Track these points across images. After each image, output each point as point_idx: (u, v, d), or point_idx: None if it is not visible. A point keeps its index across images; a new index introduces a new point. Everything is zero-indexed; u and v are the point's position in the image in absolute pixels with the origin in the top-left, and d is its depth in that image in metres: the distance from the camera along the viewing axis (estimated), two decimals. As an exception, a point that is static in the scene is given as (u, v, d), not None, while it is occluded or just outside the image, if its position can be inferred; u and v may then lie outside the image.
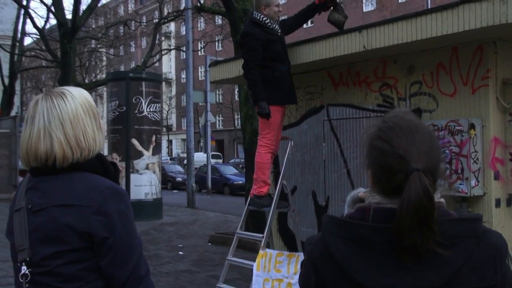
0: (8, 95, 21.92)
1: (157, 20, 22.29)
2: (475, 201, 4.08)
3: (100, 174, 1.58)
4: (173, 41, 40.54)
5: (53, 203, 1.51)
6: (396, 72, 4.70)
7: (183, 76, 46.96)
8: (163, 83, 41.13)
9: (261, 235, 4.70)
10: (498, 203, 4.06)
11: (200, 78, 44.86)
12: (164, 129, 47.51)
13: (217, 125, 48.83)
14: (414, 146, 1.20)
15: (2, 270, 6.85)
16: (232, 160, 39.38)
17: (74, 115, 1.56)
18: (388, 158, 1.21)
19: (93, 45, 28.30)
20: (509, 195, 4.13)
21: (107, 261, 1.50)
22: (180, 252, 8.50)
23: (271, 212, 4.70)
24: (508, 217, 4.13)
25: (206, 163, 21.57)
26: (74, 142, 1.54)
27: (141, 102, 12.41)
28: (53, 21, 21.98)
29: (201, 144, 31.08)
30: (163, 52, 28.16)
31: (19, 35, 22.74)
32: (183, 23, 23.79)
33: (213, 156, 32.03)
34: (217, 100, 39.69)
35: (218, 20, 23.09)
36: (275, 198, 4.76)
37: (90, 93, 21.28)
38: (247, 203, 5.04)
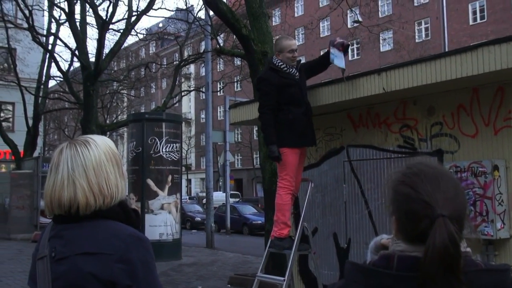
0: (31, 136, 22.32)
1: (177, 62, 22.74)
2: (501, 244, 3.99)
3: (122, 221, 1.59)
4: (192, 82, 41.24)
5: (76, 251, 1.52)
6: (416, 113, 4.70)
7: (202, 116, 47.51)
8: (183, 123, 41.59)
9: (282, 278, 4.64)
10: (525, 246, 3.97)
11: (219, 118, 45.30)
12: (183, 169, 47.75)
13: (236, 164, 48.92)
14: (439, 192, 1.18)
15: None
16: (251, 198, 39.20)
17: (98, 162, 1.58)
18: (412, 203, 1.19)
19: (114, 87, 28.91)
20: (537, 238, 4.03)
21: None
22: (199, 294, 8.39)
23: (292, 255, 4.64)
24: (536, 261, 4.02)
25: (225, 202, 21.52)
26: (97, 189, 1.56)
27: (157, 143, 12.51)
28: (76, 64, 22.59)
29: (220, 183, 31.10)
30: (183, 93, 28.59)
31: (43, 78, 23.37)
32: (202, 65, 24.25)
33: (232, 195, 31.96)
34: (236, 139, 39.93)
35: (237, 61, 23.50)
36: (296, 240, 4.72)
37: (111, 133, 21.53)
38: (268, 245, 4.99)
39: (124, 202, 1.64)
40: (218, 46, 13.30)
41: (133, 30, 19.62)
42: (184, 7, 19.25)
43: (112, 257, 1.49)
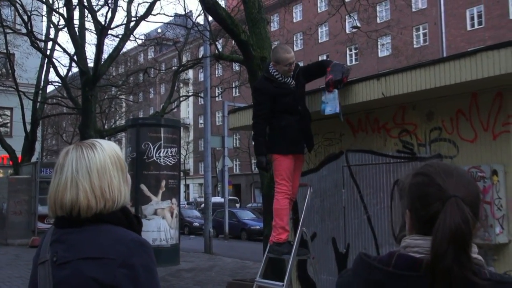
0: (29, 141, 22.30)
1: (176, 68, 22.77)
2: (500, 248, 3.99)
3: (124, 227, 1.59)
4: (191, 88, 41.28)
5: (78, 256, 1.51)
6: (415, 118, 4.71)
7: (201, 121, 47.54)
8: (181, 128, 41.55)
9: (281, 283, 4.62)
10: (524, 251, 3.96)
11: (217, 123, 45.34)
12: (182, 174, 47.70)
13: (234, 170, 48.89)
14: (452, 179, 1.20)
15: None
16: (250, 205, 39.17)
17: (102, 166, 1.58)
18: (426, 188, 1.21)
19: (113, 92, 28.92)
20: (536, 243, 4.03)
21: None
22: (197, 300, 8.36)
23: (291, 260, 4.64)
24: (535, 266, 4.02)
25: (223, 207, 21.50)
26: (99, 192, 1.55)
27: (150, 148, 12.49)
28: (75, 70, 22.60)
29: (219, 188, 31.06)
30: (181, 99, 28.60)
31: (42, 83, 23.36)
32: (201, 70, 24.29)
33: (230, 201, 31.93)
34: (234, 144, 39.93)
35: (236, 66, 23.53)
36: (294, 245, 4.71)
37: (109, 139, 21.57)
38: (266, 250, 4.99)
39: (126, 208, 1.64)
40: (216, 52, 13.32)
41: (131, 36, 19.63)
42: (183, 13, 19.31)
43: (114, 262, 1.49)
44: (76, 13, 19.15)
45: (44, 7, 21.70)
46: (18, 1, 18.74)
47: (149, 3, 18.39)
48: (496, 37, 26.95)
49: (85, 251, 1.52)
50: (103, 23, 17.84)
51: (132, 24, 18.94)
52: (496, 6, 31.94)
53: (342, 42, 25.98)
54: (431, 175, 1.23)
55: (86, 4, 17.94)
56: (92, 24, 19.12)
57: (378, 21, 35.31)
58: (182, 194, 52.30)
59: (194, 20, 18.58)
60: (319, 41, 41.58)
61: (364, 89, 4.60)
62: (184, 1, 22.19)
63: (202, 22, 17.46)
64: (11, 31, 21.34)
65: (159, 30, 34.33)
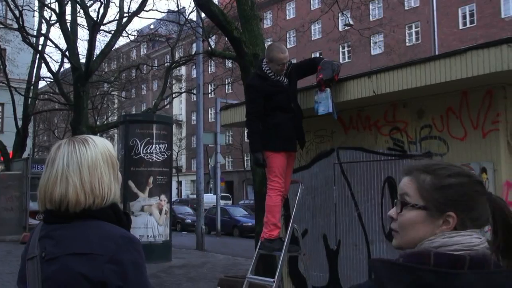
0: (21, 137, 22.17)
1: (168, 64, 22.70)
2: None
3: (113, 223, 1.59)
4: (184, 84, 41.17)
5: (67, 251, 1.51)
6: (406, 116, 4.74)
7: (193, 118, 47.45)
8: (174, 125, 41.45)
9: (272, 279, 4.65)
10: (512, 248, 4.01)
11: (210, 120, 45.28)
12: (174, 171, 47.62)
13: (227, 166, 48.88)
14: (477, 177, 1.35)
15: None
16: (242, 202, 39.21)
17: (93, 162, 1.58)
18: (473, 186, 1.29)
19: (105, 88, 28.80)
20: (524, 240, 4.07)
21: None
22: (189, 296, 8.38)
23: (282, 256, 4.66)
24: (523, 263, 4.06)
25: (215, 204, 21.51)
26: (88, 188, 1.55)
27: (137, 144, 12.46)
28: (67, 65, 22.47)
29: (211, 185, 31.05)
30: (174, 95, 28.53)
31: (33, 78, 23.23)
32: (194, 67, 24.25)
33: (223, 198, 31.94)
34: (227, 141, 39.92)
35: (229, 63, 23.51)
36: (285, 241, 4.73)
37: (101, 135, 21.50)
38: (258, 246, 5.01)
39: (116, 204, 1.63)
40: (209, 48, 13.31)
41: (124, 32, 19.57)
42: (176, 9, 19.24)
43: (103, 257, 1.49)
44: (68, 9, 19.06)
45: (36, 2, 21.58)
46: (10, -4, 18.61)
47: (141, -1, 18.31)
48: (488, 36, 27.07)
49: (73, 246, 1.52)
50: (95, 18, 17.76)
51: (124, 20, 18.86)
52: (488, 5, 32.12)
53: (334, 39, 26.04)
54: (472, 176, 1.33)
55: (78, -1, 17.85)
56: (84, 19, 19.01)
57: (371, 19, 35.42)
58: (174, 191, 52.24)
59: (187, 17, 18.52)
60: (312, 39, 41.61)
61: (355, 87, 4.63)
62: (177, -3, 22.10)
63: (195, 19, 17.43)
64: (2, 26, 21.19)
65: (151, 26, 34.20)
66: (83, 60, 18.87)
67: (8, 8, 20.10)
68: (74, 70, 17.80)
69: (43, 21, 21.91)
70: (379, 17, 36.67)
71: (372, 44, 36.93)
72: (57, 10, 18.11)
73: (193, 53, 22.00)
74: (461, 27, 33.76)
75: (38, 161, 17.36)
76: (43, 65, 22.28)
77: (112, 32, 19.30)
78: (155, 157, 12.57)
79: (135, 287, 1.51)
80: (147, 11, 22.54)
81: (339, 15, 14.59)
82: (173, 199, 31.81)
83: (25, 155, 21.51)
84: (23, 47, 22.58)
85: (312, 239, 5.62)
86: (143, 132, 12.59)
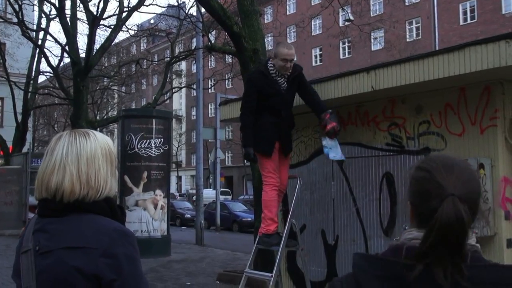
0: (20, 132, 22.17)
1: (168, 59, 22.69)
2: (485, 241, 4.04)
3: (108, 217, 1.59)
4: (184, 79, 41.12)
5: (61, 245, 1.52)
6: (404, 111, 4.74)
7: (193, 113, 47.43)
8: (174, 120, 41.41)
9: (270, 274, 4.67)
10: (509, 243, 4.02)
11: (210, 115, 45.28)
12: (174, 166, 47.66)
13: (226, 162, 48.91)
14: (452, 176, 1.22)
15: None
16: (241, 197, 39.25)
17: (92, 154, 1.59)
18: (426, 184, 1.23)
19: (105, 83, 28.78)
20: (521, 236, 4.09)
21: None
22: (188, 291, 8.41)
23: (280, 251, 4.68)
24: (520, 258, 4.08)
25: (215, 199, 21.53)
26: (84, 179, 1.56)
27: (132, 139, 12.46)
28: (66, 60, 22.44)
29: (210, 180, 31.09)
30: (174, 90, 28.51)
31: (33, 73, 23.21)
32: (194, 62, 24.22)
33: (222, 193, 31.96)
34: (227, 137, 39.92)
35: (228, 58, 23.49)
36: (284, 236, 4.75)
37: (101, 130, 21.46)
38: (256, 241, 5.03)
39: (110, 198, 1.63)
40: (209, 43, 13.30)
41: (124, 26, 19.54)
42: (176, 4, 19.21)
43: (97, 251, 1.49)
44: (68, 3, 19.02)
45: (36, -4, 21.52)
46: (9, -10, 18.58)
47: (141, -6, 18.27)
48: (489, 32, 27.03)
49: (68, 240, 1.52)
50: (95, 13, 17.73)
51: (124, 14, 18.82)
52: (488, 1, 32.05)
53: (335, 35, 26.00)
54: (432, 171, 1.24)
55: (78, -7, 17.82)
56: (84, 14, 18.98)
57: (371, 14, 35.34)
58: (174, 186, 52.27)
59: (187, 11, 18.50)
60: (312, 34, 41.53)
61: (354, 82, 4.63)
62: (177, -8, 22.07)
63: (195, 14, 17.40)
64: (2, 20, 21.16)
65: (151, 21, 34.15)
66: (82, 54, 18.87)
67: (7, 2, 20.04)
68: (74, 65, 17.79)
69: (43, 15, 21.87)
70: (379, 13, 36.59)
71: (372, 40, 36.85)
72: (57, 4, 18.08)
73: (193, 48, 21.98)
74: (461, 23, 33.69)
75: (38, 156, 17.37)
76: (42, 59, 22.32)
77: (112, 26, 19.27)
78: (150, 152, 12.52)
79: (130, 280, 1.51)
80: (147, 6, 22.57)
81: (340, 10, 14.58)
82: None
83: (24, 149, 21.53)
84: (23, 42, 22.54)
85: (311, 235, 5.63)
86: (137, 127, 12.57)
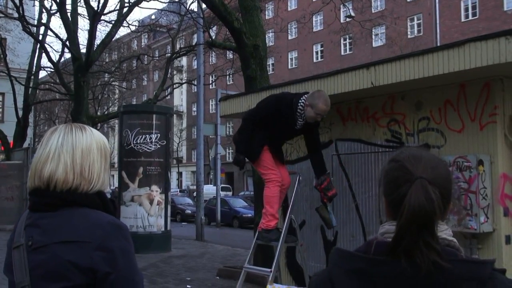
0: (21, 127, 22.18)
1: (169, 55, 22.67)
2: (484, 237, 4.05)
3: (100, 211, 1.59)
4: (184, 75, 41.12)
5: (55, 239, 1.51)
6: (404, 108, 4.75)
7: (194, 109, 47.45)
8: (175, 115, 41.48)
9: (269, 269, 4.68)
10: (508, 240, 4.03)
11: (210, 111, 45.27)
12: (174, 161, 47.69)
13: (227, 158, 48.91)
14: (420, 162, 1.23)
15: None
16: (242, 193, 39.27)
17: (88, 147, 1.60)
18: (396, 172, 1.25)
19: (106, 79, 28.76)
20: (519, 232, 4.10)
21: None
22: (188, 286, 8.42)
23: (279, 247, 4.69)
24: (518, 255, 4.09)
25: (215, 195, 21.56)
26: (78, 170, 1.56)
27: (128, 135, 12.48)
28: (67, 55, 22.44)
29: (211, 176, 31.11)
30: (174, 86, 28.49)
31: (34, 68, 23.20)
32: (194, 58, 24.19)
33: (223, 189, 31.97)
34: (227, 132, 39.91)
35: (229, 54, 23.47)
36: (283, 232, 4.76)
37: (102, 125, 21.37)
38: (255, 237, 5.04)
39: (102, 192, 1.63)
40: (210, 39, 13.28)
41: (125, 22, 19.49)
42: (177, -1, 19.16)
43: (91, 245, 1.49)
44: (69, -2, 18.99)
45: (37, -9, 21.50)
46: (10, -15, 18.56)
47: (142, -11, 18.26)
48: (490, 29, 26.98)
49: (61, 234, 1.51)
50: (95, 8, 17.70)
51: (125, 10, 18.80)
52: (490, -3, 31.97)
53: (336, 31, 25.94)
54: (401, 160, 1.26)
55: (79, -11, 17.79)
56: (85, 9, 18.97)
57: (372, 10, 35.27)
58: (175, 182, 52.30)
59: (187, 7, 18.47)
60: (314, 30, 41.47)
61: (354, 78, 4.63)
62: (178, -12, 22.03)
63: (195, 9, 17.38)
64: (3, 16, 21.12)
65: (152, 17, 34.09)
66: (83, 50, 18.85)
67: (8, -3, 20.03)
68: (75, 60, 17.78)
69: (44, 10, 21.84)
70: (381, 9, 36.50)
71: (373, 36, 36.77)
72: (58, 0, 18.05)
73: (194, 43, 21.96)
74: (463, 19, 33.60)
75: (39, 151, 17.38)
76: (43, 55, 22.26)
77: (113, 22, 19.25)
78: (146, 147, 12.49)
79: (124, 273, 1.52)
80: (147, 1, 22.39)
81: (341, 6, 14.55)
82: (173, 190, 31.87)
83: (25, 145, 21.53)
84: (24, 37, 22.51)
85: (310, 230, 5.65)
86: (133, 123, 12.56)
